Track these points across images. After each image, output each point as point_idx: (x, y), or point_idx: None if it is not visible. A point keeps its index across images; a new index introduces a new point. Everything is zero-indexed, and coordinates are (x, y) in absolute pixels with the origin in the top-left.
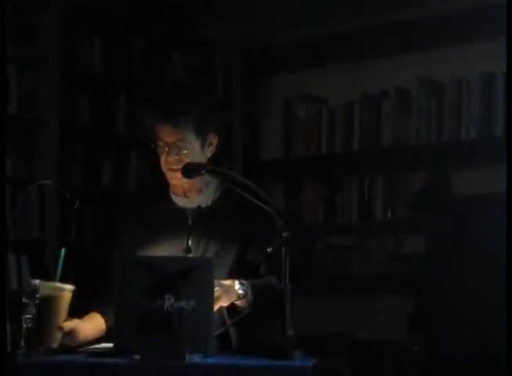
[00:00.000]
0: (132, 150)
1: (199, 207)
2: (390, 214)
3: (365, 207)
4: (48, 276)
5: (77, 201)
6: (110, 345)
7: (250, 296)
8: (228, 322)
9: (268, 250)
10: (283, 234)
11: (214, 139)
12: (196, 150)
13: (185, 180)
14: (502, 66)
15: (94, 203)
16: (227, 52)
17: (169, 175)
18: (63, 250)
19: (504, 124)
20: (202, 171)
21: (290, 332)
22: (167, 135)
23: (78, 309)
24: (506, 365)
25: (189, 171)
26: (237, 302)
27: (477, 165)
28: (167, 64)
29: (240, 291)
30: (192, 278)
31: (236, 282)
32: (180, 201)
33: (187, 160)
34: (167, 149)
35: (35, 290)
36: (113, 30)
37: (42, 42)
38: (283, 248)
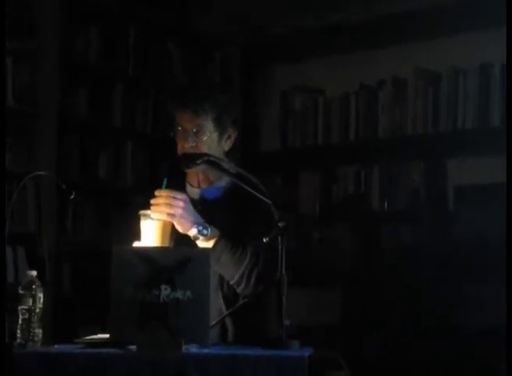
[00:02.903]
0: (129, 141)
1: (204, 200)
2: (386, 204)
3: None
4: (44, 267)
5: (74, 192)
6: (107, 335)
7: (204, 236)
8: (225, 312)
9: (265, 240)
10: (279, 224)
11: (233, 133)
12: (213, 140)
13: (200, 169)
14: (498, 55)
15: (90, 194)
16: (225, 44)
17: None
18: (166, 179)
19: (503, 116)
20: (198, 161)
21: (287, 322)
22: (186, 121)
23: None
24: (506, 365)
25: (186, 160)
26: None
27: (474, 155)
28: (165, 56)
29: (194, 231)
30: (188, 269)
31: (203, 227)
32: (192, 191)
33: (203, 149)
34: (185, 136)
35: (31, 281)
36: (111, 23)
37: (40, 35)
38: (279, 238)
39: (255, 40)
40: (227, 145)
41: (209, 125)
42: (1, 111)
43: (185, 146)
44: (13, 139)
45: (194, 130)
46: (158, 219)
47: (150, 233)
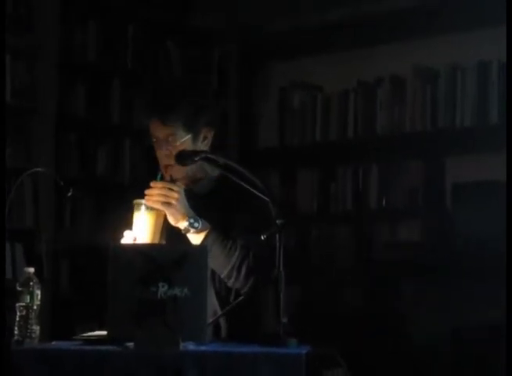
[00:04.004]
0: (127, 138)
1: (194, 196)
2: (384, 202)
3: (359, 196)
4: (41, 264)
5: (71, 189)
6: (104, 332)
7: (195, 229)
8: (218, 309)
9: (262, 237)
10: (277, 221)
11: (208, 133)
12: (188, 144)
13: (181, 175)
14: (496, 53)
15: (89, 191)
16: (223, 40)
17: (165, 170)
18: (160, 174)
19: (501, 113)
20: (196, 158)
21: (284, 319)
22: (157, 130)
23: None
24: (506, 365)
25: (182, 158)
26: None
27: (472, 153)
28: (163, 53)
29: (185, 224)
30: (186, 266)
31: (194, 219)
32: None
33: None
34: (159, 144)
35: (29, 278)
36: (109, 19)
37: (38, 31)
38: (277, 235)
39: (254, 37)
40: (204, 145)
41: (180, 131)
42: (1, 108)
43: (160, 153)
44: (11, 136)
45: (168, 138)
46: (151, 208)
47: (142, 222)
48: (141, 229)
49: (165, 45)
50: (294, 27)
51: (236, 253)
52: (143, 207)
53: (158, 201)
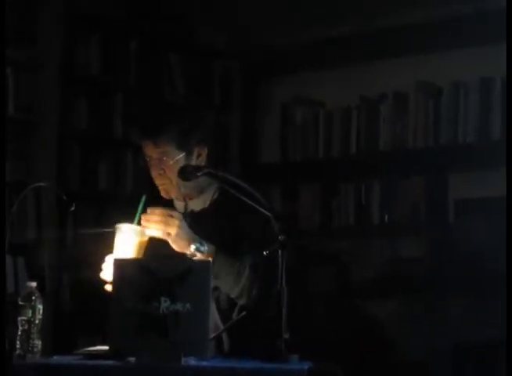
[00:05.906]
0: (129, 151)
1: (192, 212)
2: (387, 218)
3: (362, 212)
4: (44, 278)
5: (74, 204)
6: (106, 347)
7: (202, 252)
8: (219, 324)
9: (265, 253)
10: (280, 237)
11: (202, 151)
12: (181, 163)
13: (175, 195)
14: (499, 70)
15: (90, 205)
16: (225, 56)
17: (160, 188)
18: (144, 197)
19: (503, 129)
20: (198, 174)
21: (286, 335)
22: (150, 150)
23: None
24: (506, 365)
25: (186, 173)
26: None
27: (475, 169)
28: (165, 67)
29: (192, 248)
30: (188, 281)
31: (200, 244)
32: (179, 206)
33: (171, 174)
34: (152, 163)
35: (31, 292)
36: (112, 34)
37: (41, 45)
38: (280, 252)
39: (256, 52)
40: (199, 162)
41: (172, 151)
42: (2, 121)
43: (154, 173)
44: (13, 149)
45: (161, 158)
46: (148, 236)
47: (127, 248)
48: (123, 254)
49: (168, 59)
50: (297, 42)
51: (246, 273)
52: (127, 233)
53: (161, 230)
